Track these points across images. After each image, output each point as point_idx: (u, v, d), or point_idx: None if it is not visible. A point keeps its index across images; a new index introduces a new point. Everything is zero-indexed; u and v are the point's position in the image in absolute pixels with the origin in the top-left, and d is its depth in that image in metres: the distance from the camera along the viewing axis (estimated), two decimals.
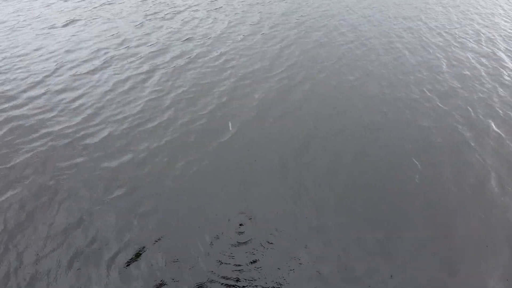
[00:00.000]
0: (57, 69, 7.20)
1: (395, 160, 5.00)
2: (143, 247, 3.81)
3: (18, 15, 10.00)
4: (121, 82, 6.75)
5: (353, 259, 3.74)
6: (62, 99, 6.25)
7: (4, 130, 5.54)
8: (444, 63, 7.43)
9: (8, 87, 6.62)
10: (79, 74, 7.01)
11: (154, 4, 10.79)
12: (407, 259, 3.76)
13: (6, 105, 6.12)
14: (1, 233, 3.96)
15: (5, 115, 5.88)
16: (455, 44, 8.31)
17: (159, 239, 3.90)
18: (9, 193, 4.44)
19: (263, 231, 3.98)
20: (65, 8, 10.51)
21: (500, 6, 10.74)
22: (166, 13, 10.12)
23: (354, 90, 6.51)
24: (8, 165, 4.86)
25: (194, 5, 10.71)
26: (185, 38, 8.53)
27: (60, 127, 5.58)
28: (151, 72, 7.10)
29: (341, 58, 7.62)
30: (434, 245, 3.92)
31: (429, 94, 6.40)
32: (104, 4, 10.88)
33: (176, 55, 7.73)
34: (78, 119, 5.76)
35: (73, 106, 6.07)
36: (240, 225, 4.03)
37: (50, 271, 3.60)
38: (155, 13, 10.13)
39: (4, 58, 7.65)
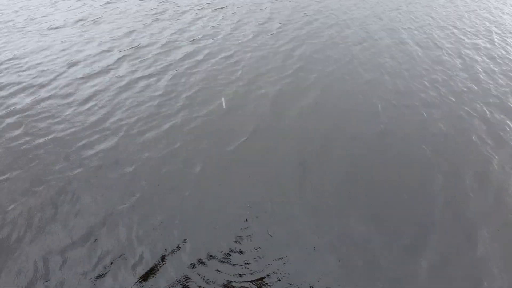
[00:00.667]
0: (66, 70, 7.09)
1: (415, 162, 4.91)
2: (161, 249, 3.75)
3: (24, 15, 9.88)
4: (132, 84, 6.65)
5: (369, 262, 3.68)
6: (72, 102, 6.15)
7: (14, 134, 5.42)
8: (458, 62, 7.35)
9: (15, 89, 6.50)
10: (88, 76, 6.91)
11: (159, 3, 10.68)
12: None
13: (14, 108, 6.00)
14: (14, 243, 3.89)
15: (14, 118, 5.76)
16: (468, 43, 8.24)
17: (178, 241, 3.83)
18: (19, 201, 4.34)
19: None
20: (71, 7, 10.41)
21: None
22: (172, 12, 10.01)
23: (368, 90, 6.41)
24: (17, 171, 4.75)
25: (200, 3, 10.59)
26: (194, 38, 8.43)
27: (70, 131, 5.47)
28: (161, 73, 6.99)
29: (354, 57, 7.51)
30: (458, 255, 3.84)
31: (444, 93, 6.31)
32: (108, 3, 10.77)
33: (186, 56, 7.61)
34: (88, 122, 5.65)
35: (83, 109, 5.96)
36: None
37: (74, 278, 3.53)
38: (162, 12, 10.03)
39: (11, 59, 7.53)
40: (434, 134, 5.41)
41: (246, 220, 4.08)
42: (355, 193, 4.44)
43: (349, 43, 8.16)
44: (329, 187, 4.51)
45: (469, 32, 8.78)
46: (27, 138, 5.32)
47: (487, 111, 5.87)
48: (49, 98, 6.24)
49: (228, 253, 3.76)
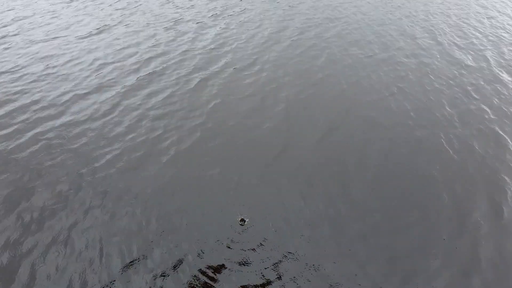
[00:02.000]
0: (98, 78, 7.46)
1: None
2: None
3: (40, 23, 10.12)
4: (160, 93, 7.04)
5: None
6: (107, 113, 6.51)
7: (46, 147, 5.74)
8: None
9: (50, 97, 6.86)
10: (108, 86, 7.27)
11: (179, 9, 10.96)
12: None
13: (46, 117, 6.34)
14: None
15: (47, 127, 6.12)
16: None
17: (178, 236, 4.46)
18: (57, 202, 4.95)
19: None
20: (94, 14, 10.70)
21: None
22: (189, 19, 10.27)
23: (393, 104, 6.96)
24: (59, 179, 5.28)
25: (220, 11, 10.88)
26: (218, 46, 8.80)
27: (89, 141, 5.86)
28: (191, 80, 7.44)
29: (370, 69, 7.97)
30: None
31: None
32: (129, 8, 11.12)
33: (206, 63, 8.02)
34: (107, 134, 6.03)
35: (104, 121, 6.32)
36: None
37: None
38: (180, 19, 10.30)
39: (44, 67, 7.83)
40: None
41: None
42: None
43: (364, 55, 8.58)
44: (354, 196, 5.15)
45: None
46: (47, 150, 5.66)
47: None
48: (71, 110, 6.54)
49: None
